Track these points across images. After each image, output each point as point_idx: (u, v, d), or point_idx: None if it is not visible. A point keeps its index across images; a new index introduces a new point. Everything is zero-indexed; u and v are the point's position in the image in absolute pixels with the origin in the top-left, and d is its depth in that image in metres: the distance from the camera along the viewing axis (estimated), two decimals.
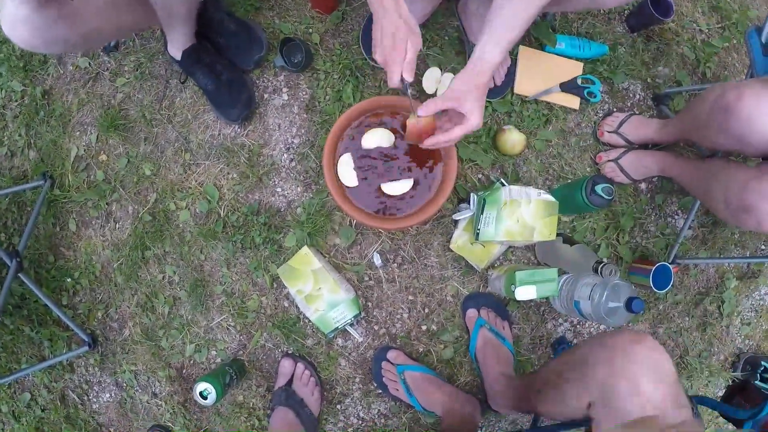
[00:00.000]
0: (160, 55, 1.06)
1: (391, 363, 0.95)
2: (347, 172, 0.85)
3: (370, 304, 0.99)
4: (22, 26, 0.68)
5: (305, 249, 0.94)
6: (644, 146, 1.01)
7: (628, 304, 0.79)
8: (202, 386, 0.88)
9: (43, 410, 1.07)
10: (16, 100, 1.10)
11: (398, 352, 0.96)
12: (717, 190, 0.77)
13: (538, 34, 1.04)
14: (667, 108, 1.05)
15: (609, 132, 1.01)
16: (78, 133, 1.07)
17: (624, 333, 0.60)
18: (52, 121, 1.08)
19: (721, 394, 1.09)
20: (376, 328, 0.99)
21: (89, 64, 1.08)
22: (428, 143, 0.72)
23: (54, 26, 0.69)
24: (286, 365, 0.96)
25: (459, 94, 0.69)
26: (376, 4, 0.66)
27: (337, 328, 0.94)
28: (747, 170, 0.73)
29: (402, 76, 0.69)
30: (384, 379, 0.95)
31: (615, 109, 1.05)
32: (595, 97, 1.03)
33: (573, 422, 0.68)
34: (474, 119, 0.69)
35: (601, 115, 1.06)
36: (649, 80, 1.08)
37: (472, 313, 0.96)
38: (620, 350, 0.57)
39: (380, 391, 0.98)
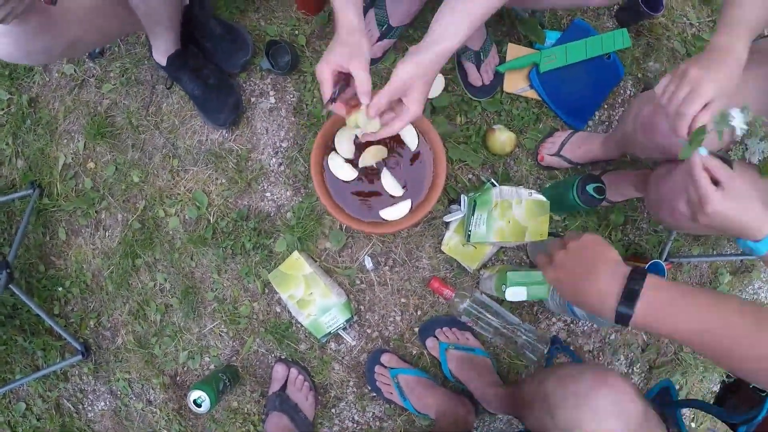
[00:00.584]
0: (145, 60, 1.05)
1: (385, 366, 0.96)
2: (339, 166, 0.83)
3: (362, 307, 0.99)
4: (4, 39, 0.67)
5: (296, 254, 0.94)
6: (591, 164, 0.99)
7: None
8: (195, 394, 0.88)
9: (38, 419, 1.08)
10: (2, 109, 1.10)
11: (391, 355, 0.96)
12: (649, 182, 0.79)
13: (527, 31, 1.03)
14: None
15: (550, 155, 0.98)
16: (65, 140, 1.07)
17: (586, 375, 0.59)
18: (39, 129, 1.07)
19: (715, 389, 1.10)
20: (369, 331, 1.00)
21: (75, 70, 1.07)
22: (368, 138, 0.67)
23: (36, 37, 0.68)
24: (279, 370, 0.97)
25: (407, 83, 0.61)
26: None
27: (329, 333, 0.94)
28: (667, 164, 0.73)
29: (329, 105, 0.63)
30: (377, 383, 0.96)
31: (558, 129, 1.02)
32: None
33: None
34: (414, 109, 0.62)
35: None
36: (639, 75, 1.08)
37: (431, 342, 0.96)
38: (582, 398, 0.57)
39: (374, 395, 0.98)
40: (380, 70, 1.02)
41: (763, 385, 0.50)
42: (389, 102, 0.62)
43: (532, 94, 1.02)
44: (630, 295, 0.48)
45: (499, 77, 1.01)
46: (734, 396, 1.06)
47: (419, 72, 0.60)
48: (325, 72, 0.61)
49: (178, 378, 1.03)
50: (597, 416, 0.54)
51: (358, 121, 0.64)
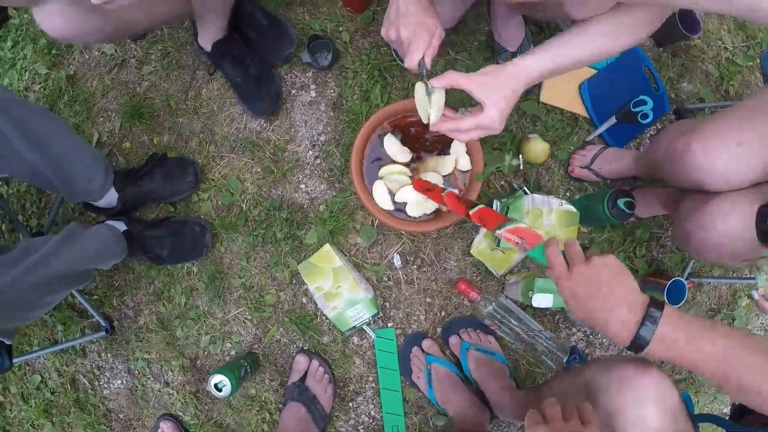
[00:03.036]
0: (187, 45, 1.10)
1: (423, 351, 1.00)
2: (383, 195, 0.88)
3: (387, 304, 1.04)
4: (56, 17, 0.70)
5: (327, 246, 0.99)
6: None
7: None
8: (217, 378, 0.92)
9: (52, 393, 1.12)
10: (40, 83, 1.14)
11: (433, 342, 1.01)
12: (677, 211, 0.80)
13: None
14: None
15: (580, 168, 1.03)
16: (101, 119, 1.11)
17: (629, 363, 0.61)
18: (76, 105, 1.12)
19: (726, 410, 1.14)
20: (392, 326, 1.04)
21: (115, 50, 1.12)
22: (436, 127, 0.68)
23: (88, 18, 0.72)
24: (301, 361, 1.01)
25: (486, 80, 0.64)
26: None
27: (354, 327, 0.99)
28: (696, 197, 0.73)
29: (423, 59, 0.66)
30: (410, 363, 1.00)
31: (592, 142, 1.06)
32: (648, 118, 1.03)
33: None
34: (491, 113, 0.63)
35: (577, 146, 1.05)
36: (673, 95, 1.13)
37: (454, 340, 1.00)
38: (626, 382, 0.59)
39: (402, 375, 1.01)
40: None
41: None
42: (460, 84, 0.64)
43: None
44: (648, 325, 0.52)
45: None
46: (749, 414, 1.11)
47: (497, 80, 0.64)
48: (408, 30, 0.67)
49: (198, 362, 1.07)
50: (640, 400, 0.57)
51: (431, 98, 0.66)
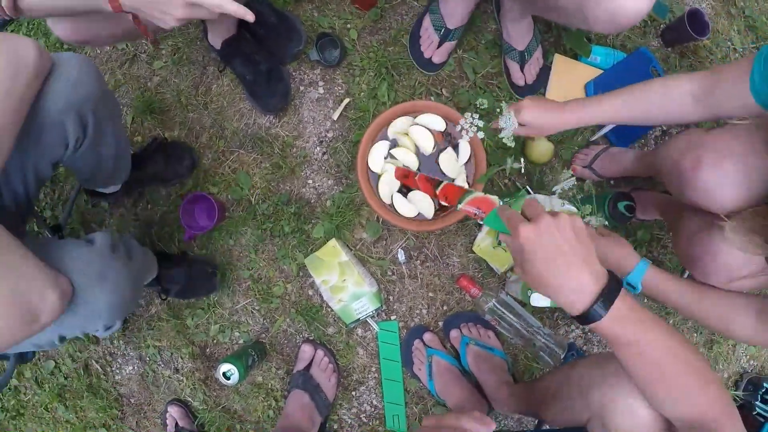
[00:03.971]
0: (198, 41, 1.13)
1: (424, 343, 1.05)
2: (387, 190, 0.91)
3: (391, 297, 1.08)
4: (70, 24, 0.73)
5: (333, 241, 1.03)
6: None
7: None
8: (225, 367, 0.97)
9: (66, 378, 1.18)
10: None
11: (434, 335, 1.06)
12: (679, 228, 0.80)
13: (572, 43, 1.11)
14: (694, 125, 1.13)
15: (581, 167, 1.06)
16: None
17: None
18: None
19: None
20: (395, 319, 1.09)
21: (126, 45, 1.16)
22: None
23: (100, 24, 0.75)
24: (306, 350, 1.06)
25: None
26: None
27: (358, 320, 1.04)
28: (701, 219, 0.73)
29: None
30: (412, 355, 1.05)
31: (597, 142, 1.09)
32: None
33: (573, 429, 0.77)
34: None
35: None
36: None
37: (455, 333, 1.05)
38: (617, 376, 0.61)
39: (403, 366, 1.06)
40: (443, 78, 1.09)
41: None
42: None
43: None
44: (607, 298, 0.49)
45: (543, 77, 1.09)
46: None
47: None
48: None
49: (207, 350, 1.12)
50: (630, 393, 0.60)
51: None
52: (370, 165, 0.90)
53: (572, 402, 0.69)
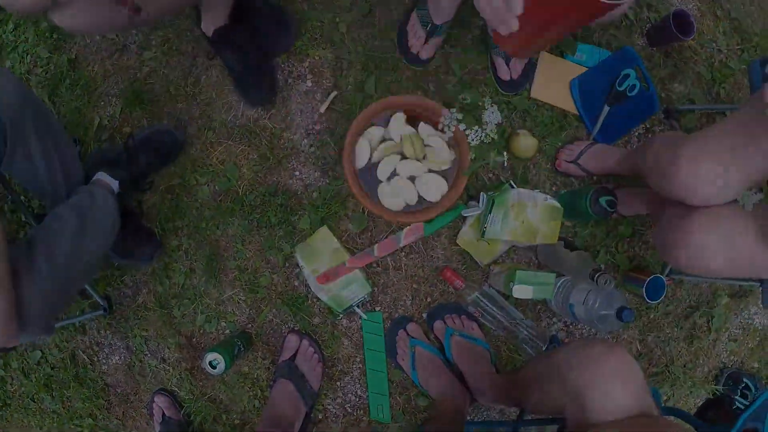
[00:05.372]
0: (188, 32, 1.16)
1: (408, 334, 1.08)
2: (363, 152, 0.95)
3: (376, 288, 1.12)
4: (68, 11, 0.75)
5: (324, 228, 1.07)
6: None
7: (619, 313, 0.90)
8: (211, 356, 1.00)
9: (52, 368, 1.21)
10: (42, 66, 1.20)
11: (417, 326, 1.09)
12: (659, 218, 0.84)
13: (559, 42, 1.14)
14: (677, 123, 1.17)
15: (567, 162, 1.09)
16: (102, 103, 1.18)
17: (597, 344, 0.67)
18: (77, 89, 1.18)
19: (701, 404, 1.23)
20: (380, 311, 1.13)
21: (117, 35, 1.18)
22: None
23: (102, 10, 0.78)
24: (292, 340, 1.10)
25: None
26: None
27: (351, 306, 1.07)
28: (680, 209, 0.76)
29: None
30: (396, 346, 1.09)
31: (581, 138, 1.12)
32: (635, 89, 1.08)
33: (554, 419, 0.80)
34: None
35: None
36: (663, 94, 1.19)
37: (438, 324, 1.08)
38: (594, 360, 0.64)
39: (387, 356, 1.09)
40: (430, 72, 1.13)
41: None
42: None
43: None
44: None
45: (527, 73, 1.12)
46: (714, 411, 1.19)
47: None
48: None
49: (194, 339, 1.16)
50: (606, 377, 0.63)
51: None
52: (356, 157, 0.94)
53: (551, 386, 0.72)
